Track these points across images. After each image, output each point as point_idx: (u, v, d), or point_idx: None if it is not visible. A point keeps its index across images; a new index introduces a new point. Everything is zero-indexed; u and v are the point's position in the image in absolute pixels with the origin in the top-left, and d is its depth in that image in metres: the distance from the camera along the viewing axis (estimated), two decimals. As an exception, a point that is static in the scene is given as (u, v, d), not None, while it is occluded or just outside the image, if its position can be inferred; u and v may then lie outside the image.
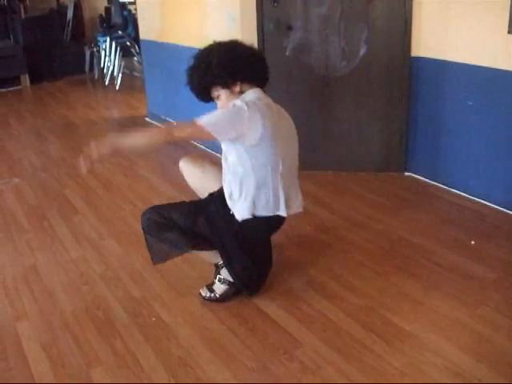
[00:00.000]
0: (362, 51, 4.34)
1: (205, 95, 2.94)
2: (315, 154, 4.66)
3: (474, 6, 3.85)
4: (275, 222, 2.99)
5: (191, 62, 2.91)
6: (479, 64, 3.90)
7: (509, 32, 3.62)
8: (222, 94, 2.88)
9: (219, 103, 2.92)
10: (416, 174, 4.55)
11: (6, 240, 3.90)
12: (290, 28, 4.38)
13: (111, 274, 3.38)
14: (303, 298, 3.03)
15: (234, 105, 2.77)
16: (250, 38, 4.34)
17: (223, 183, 2.94)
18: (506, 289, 3.02)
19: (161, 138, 2.88)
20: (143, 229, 2.97)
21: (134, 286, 3.22)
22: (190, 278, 3.30)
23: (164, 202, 4.04)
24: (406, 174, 4.60)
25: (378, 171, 4.61)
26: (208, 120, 2.71)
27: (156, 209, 2.97)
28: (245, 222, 2.86)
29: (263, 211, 2.85)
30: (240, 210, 2.85)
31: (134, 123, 6.57)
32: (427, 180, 4.46)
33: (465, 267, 3.24)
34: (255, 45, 4.33)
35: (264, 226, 2.98)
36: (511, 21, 3.58)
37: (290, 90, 4.53)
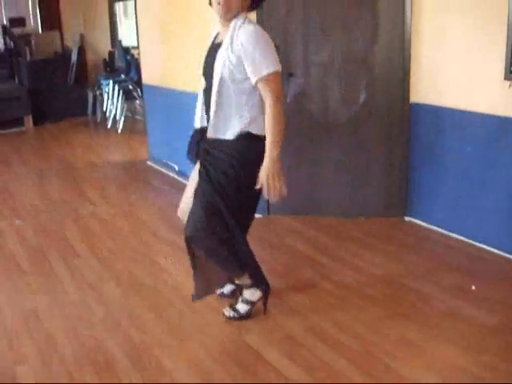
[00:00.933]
0: (362, 98, 4.41)
1: None
2: (315, 200, 4.69)
3: (471, 53, 3.94)
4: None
5: None
6: (476, 110, 3.97)
7: (505, 78, 3.69)
8: None
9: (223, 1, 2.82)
10: (416, 218, 4.57)
11: (6, 281, 3.89)
12: (290, 75, 4.44)
13: (111, 317, 3.37)
14: (304, 344, 3.01)
15: (258, 33, 2.87)
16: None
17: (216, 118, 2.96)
18: (508, 334, 3.02)
19: (281, 117, 3.00)
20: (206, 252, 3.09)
21: (133, 331, 3.21)
22: (190, 322, 3.29)
23: (164, 247, 4.10)
24: (406, 218, 4.61)
25: (378, 216, 4.63)
26: (272, 64, 2.82)
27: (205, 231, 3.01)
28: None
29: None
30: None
31: (135, 167, 6.61)
32: (427, 225, 4.48)
33: (466, 312, 3.24)
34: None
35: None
36: (507, 67, 3.65)
37: (291, 135, 4.55)
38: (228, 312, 3.25)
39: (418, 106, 4.37)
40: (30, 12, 13.57)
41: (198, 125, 3.18)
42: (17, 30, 12.02)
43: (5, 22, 12.78)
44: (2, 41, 11.67)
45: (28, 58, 9.93)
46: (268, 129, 2.97)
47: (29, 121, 9.44)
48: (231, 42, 2.88)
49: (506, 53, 3.65)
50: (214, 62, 2.95)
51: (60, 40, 13.02)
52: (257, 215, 4.60)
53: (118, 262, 4.10)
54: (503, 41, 3.65)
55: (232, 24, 2.90)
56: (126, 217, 5.02)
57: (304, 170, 4.63)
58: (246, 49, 2.84)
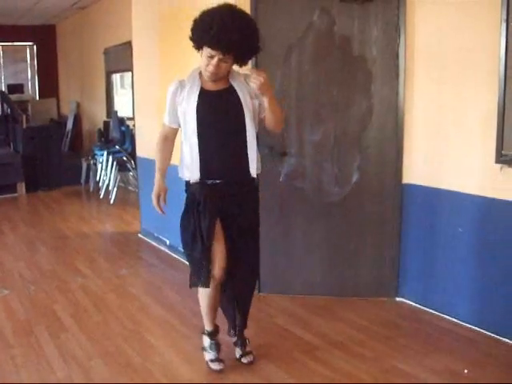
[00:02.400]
0: (355, 178, 4.46)
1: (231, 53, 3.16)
2: (305, 279, 4.68)
3: (464, 134, 4.02)
4: None
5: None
6: (467, 192, 4.02)
7: (496, 161, 3.75)
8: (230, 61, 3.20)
9: (223, 65, 3.16)
10: (408, 299, 4.55)
11: (-10, 356, 3.82)
12: (284, 154, 4.50)
13: (97, 397, 3.30)
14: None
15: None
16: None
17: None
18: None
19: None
20: None
21: (120, 412, 3.14)
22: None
23: (154, 323, 4.04)
24: (398, 299, 4.59)
25: (370, 296, 4.60)
26: None
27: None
28: None
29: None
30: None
31: (126, 239, 6.59)
32: (419, 306, 4.45)
33: (458, 399, 3.19)
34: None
35: None
36: (498, 151, 3.72)
37: (283, 213, 4.61)
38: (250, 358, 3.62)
39: (410, 186, 4.41)
40: (29, 79, 13.82)
41: (197, 176, 3.31)
42: (14, 97, 12.21)
43: (3, 88, 13.00)
44: (0, 107, 11.84)
45: (24, 124, 10.01)
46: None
47: (22, 187, 9.49)
48: (247, 88, 3.30)
49: (497, 136, 3.72)
50: (230, 106, 3.28)
51: (56, 107, 13.27)
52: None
53: (107, 338, 4.03)
54: (494, 125, 3.74)
55: (233, 74, 3.34)
56: (115, 291, 4.96)
57: (295, 248, 4.63)
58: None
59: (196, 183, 3.32)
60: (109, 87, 10.66)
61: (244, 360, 3.62)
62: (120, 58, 9.61)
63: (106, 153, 8.82)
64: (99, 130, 10.18)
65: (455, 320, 4.17)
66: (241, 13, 3.16)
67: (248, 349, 3.67)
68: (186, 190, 3.42)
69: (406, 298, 4.56)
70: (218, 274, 3.35)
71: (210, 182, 3.30)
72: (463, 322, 4.13)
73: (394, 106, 4.37)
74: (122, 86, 10.44)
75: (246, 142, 3.29)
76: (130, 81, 9.30)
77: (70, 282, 5.17)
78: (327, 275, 4.64)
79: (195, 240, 3.30)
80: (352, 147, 4.45)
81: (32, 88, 14.01)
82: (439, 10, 4.09)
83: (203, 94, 3.28)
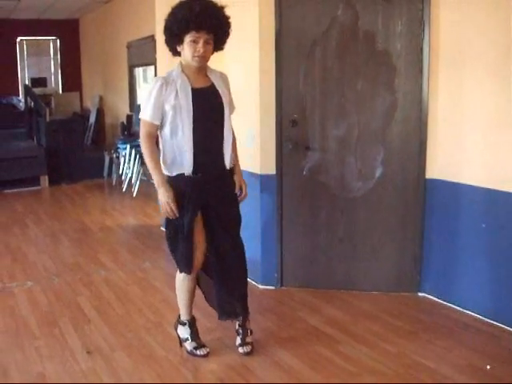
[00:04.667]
0: (378, 172, 4.45)
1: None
2: (328, 273, 4.68)
3: (488, 129, 3.99)
4: None
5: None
6: (492, 187, 3.99)
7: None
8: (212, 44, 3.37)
9: (208, 48, 3.32)
10: (430, 294, 4.53)
11: (14, 345, 3.86)
12: (307, 148, 4.50)
13: (120, 388, 3.33)
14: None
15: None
16: (268, 156, 4.48)
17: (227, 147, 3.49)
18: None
19: None
20: None
21: (143, 403, 3.17)
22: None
23: (176, 316, 4.05)
24: (420, 294, 4.57)
25: (392, 291, 4.59)
26: None
27: None
28: None
29: None
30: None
31: (149, 232, 6.63)
32: (441, 301, 4.43)
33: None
34: (274, 163, 4.46)
35: None
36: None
37: (306, 208, 4.62)
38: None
39: (433, 181, 4.39)
40: (52, 73, 13.92)
41: (190, 170, 3.38)
42: (38, 90, 12.31)
43: (27, 82, 13.11)
44: (23, 100, 11.94)
45: (47, 117, 10.09)
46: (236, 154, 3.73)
47: (45, 180, 9.57)
48: (224, 84, 3.53)
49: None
50: (215, 103, 3.45)
51: (79, 101, 13.35)
52: (269, 287, 4.63)
53: (130, 330, 4.06)
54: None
55: (209, 70, 3.50)
56: (138, 283, 5.00)
57: (318, 242, 4.63)
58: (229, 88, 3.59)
59: (184, 177, 3.39)
60: (132, 81, 10.70)
61: (241, 350, 3.67)
62: (143, 52, 9.65)
63: (128, 146, 8.86)
64: (122, 123, 10.23)
65: (478, 315, 4.15)
66: (212, 1, 3.38)
67: (248, 339, 3.71)
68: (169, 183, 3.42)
69: (428, 293, 4.54)
70: (198, 264, 3.56)
71: (197, 175, 3.40)
72: (486, 317, 4.11)
73: (418, 100, 4.34)
74: (145, 79, 10.48)
75: (223, 136, 3.48)
76: (152, 75, 9.38)
77: (93, 274, 5.22)
78: (350, 269, 4.64)
79: (181, 231, 3.45)
80: (376, 142, 4.44)
81: (55, 82, 14.11)
82: (463, 5, 4.05)
83: (193, 90, 3.38)
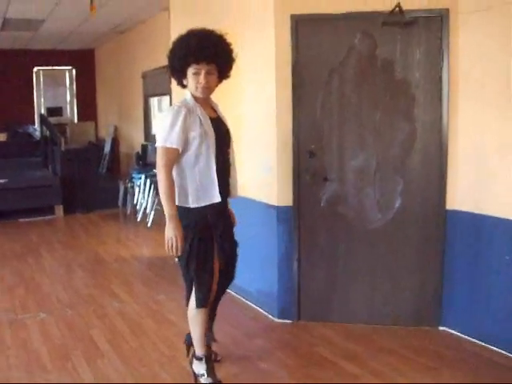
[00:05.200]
0: (397, 203, 4.36)
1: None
2: (346, 306, 4.57)
3: (510, 159, 3.90)
4: None
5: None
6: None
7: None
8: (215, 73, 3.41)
9: (211, 78, 3.36)
10: (451, 328, 4.41)
11: (26, 380, 3.78)
12: (325, 179, 4.43)
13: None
14: None
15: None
16: (286, 188, 4.42)
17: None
18: None
19: None
20: None
21: None
22: None
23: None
24: (441, 328, 4.46)
25: (412, 325, 4.48)
26: None
27: None
28: None
29: None
30: None
31: (163, 263, 6.53)
32: (463, 336, 4.31)
33: None
34: (291, 195, 4.40)
35: None
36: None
37: (324, 240, 4.53)
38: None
39: (454, 212, 4.29)
40: (68, 102, 14.01)
41: (218, 198, 3.40)
42: (53, 119, 12.38)
43: (43, 111, 13.19)
44: (39, 129, 11.99)
45: (63, 147, 10.11)
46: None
47: (59, 210, 9.57)
48: (224, 116, 3.62)
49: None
50: (225, 132, 3.55)
51: (94, 130, 13.41)
52: (286, 321, 4.54)
53: (144, 364, 3.97)
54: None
55: (212, 100, 3.57)
56: (152, 316, 4.91)
57: (337, 275, 4.54)
58: None
59: (212, 206, 3.38)
60: (147, 111, 10.71)
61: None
62: (158, 82, 9.66)
63: (143, 176, 8.83)
64: (137, 153, 10.23)
65: (503, 352, 4.02)
66: (211, 30, 3.42)
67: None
68: (187, 217, 3.35)
69: (449, 328, 4.42)
70: (214, 293, 3.58)
71: (221, 203, 3.43)
72: (511, 352, 3.98)
73: (438, 130, 4.27)
74: (160, 109, 10.50)
75: (230, 164, 3.63)
76: (167, 104, 9.38)
77: (107, 306, 5.14)
78: (368, 303, 4.54)
79: (207, 261, 3.43)
80: (395, 172, 4.36)
81: (71, 111, 14.19)
82: (483, 33, 4.01)
83: (210, 119, 3.43)
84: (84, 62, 13.77)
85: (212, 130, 3.37)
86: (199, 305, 3.49)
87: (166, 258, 6.69)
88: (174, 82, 5.91)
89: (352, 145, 4.40)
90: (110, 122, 12.82)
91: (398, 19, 4.15)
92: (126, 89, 11.78)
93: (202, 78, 3.31)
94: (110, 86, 12.95)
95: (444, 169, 4.29)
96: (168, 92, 8.04)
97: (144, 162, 9.76)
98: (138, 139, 10.96)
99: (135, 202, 9.28)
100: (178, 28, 6.30)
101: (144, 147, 10.25)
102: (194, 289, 3.50)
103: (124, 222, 9.43)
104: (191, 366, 3.68)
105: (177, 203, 3.32)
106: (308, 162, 4.42)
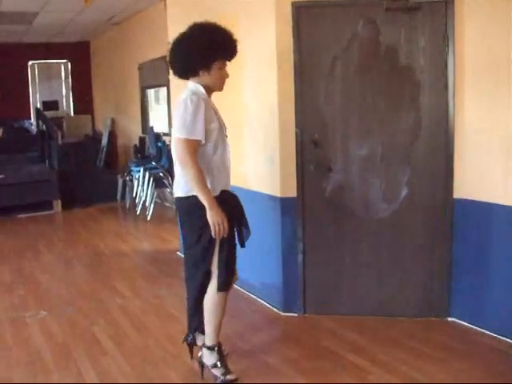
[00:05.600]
0: (403, 193, 4.27)
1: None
2: (353, 298, 4.49)
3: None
4: None
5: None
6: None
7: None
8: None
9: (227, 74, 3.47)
10: (460, 319, 4.33)
11: (28, 380, 3.69)
12: (329, 169, 4.34)
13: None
14: None
15: None
16: (289, 179, 4.33)
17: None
18: None
19: None
20: None
21: None
22: None
23: (196, 348, 3.88)
24: (449, 319, 4.37)
25: (419, 316, 4.40)
26: None
27: None
28: None
29: None
30: None
31: (164, 257, 6.45)
32: (472, 326, 4.22)
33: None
34: (294, 186, 4.30)
35: None
36: None
37: (329, 231, 4.44)
38: None
39: (462, 201, 4.21)
40: (64, 96, 13.89)
41: (229, 182, 3.57)
42: (50, 113, 12.27)
43: (38, 105, 13.08)
44: (35, 123, 11.87)
45: (59, 140, 10.00)
46: None
47: (58, 204, 9.47)
48: None
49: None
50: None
51: (91, 123, 13.29)
52: (291, 314, 4.45)
53: (148, 362, 3.88)
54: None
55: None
56: (155, 312, 4.82)
57: (343, 267, 4.46)
58: None
59: (228, 192, 3.51)
60: (144, 103, 10.61)
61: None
62: (155, 73, 9.56)
63: (142, 169, 8.72)
64: (135, 146, 10.13)
65: (512, 341, 3.95)
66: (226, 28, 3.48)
67: None
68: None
69: (458, 318, 4.34)
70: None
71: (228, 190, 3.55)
72: (521, 343, 3.91)
73: (444, 117, 4.17)
74: (157, 101, 10.40)
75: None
76: (165, 96, 9.29)
77: (109, 302, 5.06)
78: (375, 294, 4.46)
79: (233, 244, 3.51)
80: (401, 161, 4.26)
81: (67, 104, 14.06)
82: (489, 18, 3.91)
83: (214, 113, 3.48)
84: (79, 54, 13.63)
85: (222, 121, 3.50)
86: (224, 287, 3.48)
87: (167, 252, 6.66)
88: (172, 74, 5.84)
89: (357, 133, 4.31)
90: (107, 114, 12.70)
91: (401, 4, 4.05)
92: (123, 81, 11.66)
93: (226, 72, 3.46)
94: (107, 78, 12.83)
95: (451, 156, 4.20)
96: (165, 83, 7.93)
97: (142, 154, 9.66)
98: (136, 132, 10.85)
99: (134, 195, 9.17)
100: (174, 18, 6.21)
101: (142, 139, 10.15)
102: (215, 274, 3.46)
103: (123, 215, 9.33)
104: (201, 360, 3.61)
105: (190, 193, 3.35)
106: (312, 152, 4.33)
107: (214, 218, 3.25)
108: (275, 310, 4.63)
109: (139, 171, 8.80)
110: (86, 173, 9.91)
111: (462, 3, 4.01)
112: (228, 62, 3.48)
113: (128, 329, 4.47)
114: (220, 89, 3.49)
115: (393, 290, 4.42)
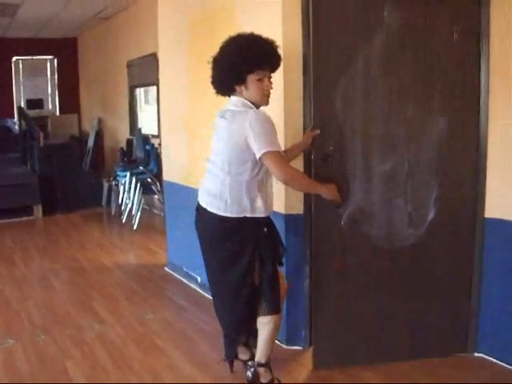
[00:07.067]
0: (431, 215, 3.64)
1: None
2: (369, 342, 3.78)
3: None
4: None
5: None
6: None
7: None
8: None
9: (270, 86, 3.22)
10: (488, 355, 3.78)
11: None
12: (347, 190, 3.59)
13: None
14: None
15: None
16: (296, 202, 3.77)
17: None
18: None
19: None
20: None
21: None
22: None
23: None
24: (477, 355, 3.82)
25: (445, 355, 3.81)
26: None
27: None
28: None
29: None
30: None
31: (151, 273, 5.83)
32: (502, 363, 3.68)
33: None
34: (301, 201, 3.75)
35: None
36: None
37: (345, 267, 3.70)
38: None
39: (495, 221, 3.65)
40: (49, 94, 13.29)
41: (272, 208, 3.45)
42: (34, 112, 11.70)
43: (22, 104, 12.47)
44: (18, 123, 11.28)
45: (42, 142, 9.38)
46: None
47: (38, 210, 8.89)
48: None
49: None
50: None
51: (78, 123, 12.68)
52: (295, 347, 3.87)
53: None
54: None
55: None
56: (138, 342, 4.19)
57: (360, 310, 3.75)
58: None
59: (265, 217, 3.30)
60: (132, 102, 10.03)
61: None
62: (144, 72, 8.99)
63: (129, 174, 8.08)
64: (121, 149, 9.51)
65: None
66: (263, 36, 3.22)
67: None
68: (249, 228, 3.24)
69: (486, 354, 3.79)
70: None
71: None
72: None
73: (475, 127, 3.62)
74: (147, 101, 9.81)
75: None
76: (154, 96, 8.69)
77: (86, 328, 4.44)
78: (396, 335, 3.78)
79: (274, 263, 3.36)
80: (428, 179, 3.63)
81: (52, 103, 13.45)
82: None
83: None
84: (66, 50, 13.03)
85: None
86: (276, 310, 3.37)
87: (154, 267, 6.07)
88: (161, 71, 5.28)
89: (380, 146, 3.61)
90: (94, 114, 12.11)
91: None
92: (111, 79, 11.08)
93: (266, 83, 3.20)
94: (94, 76, 12.25)
95: (483, 173, 3.64)
96: (155, 82, 7.34)
97: (129, 158, 9.02)
98: (124, 133, 10.27)
99: (120, 201, 8.54)
100: (165, 11, 5.65)
101: (129, 142, 9.54)
102: (264, 297, 3.33)
103: (108, 223, 8.71)
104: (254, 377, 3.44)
105: (241, 214, 3.19)
106: (324, 167, 3.59)
107: (327, 195, 3.34)
108: (277, 342, 4.03)
109: (125, 176, 8.16)
110: (69, 176, 9.30)
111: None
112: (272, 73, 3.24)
113: (107, 363, 3.85)
114: (264, 103, 3.23)
115: (415, 328, 3.78)
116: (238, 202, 3.16)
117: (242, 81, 3.15)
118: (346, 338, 3.75)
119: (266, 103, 3.24)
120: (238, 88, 3.19)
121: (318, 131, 3.50)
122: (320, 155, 3.58)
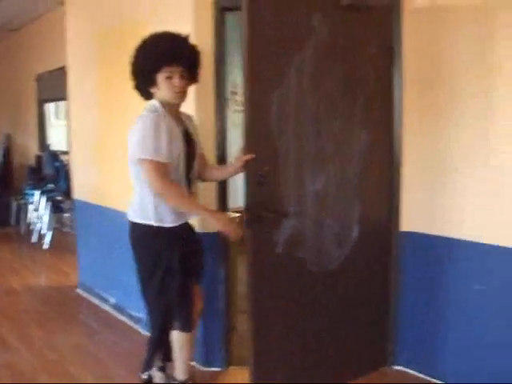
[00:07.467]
0: (354, 233, 3.58)
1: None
2: (293, 365, 3.54)
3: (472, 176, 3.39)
4: None
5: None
6: (481, 241, 3.37)
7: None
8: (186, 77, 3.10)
9: (183, 82, 3.05)
10: (407, 367, 3.83)
11: None
12: (285, 215, 3.26)
13: None
14: None
15: None
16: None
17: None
18: None
19: None
20: None
21: None
22: None
23: None
24: (396, 368, 3.87)
25: (368, 371, 3.79)
26: None
27: None
28: None
29: None
30: None
31: (62, 296, 5.60)
32: (421, 375, 3.74)
33: None
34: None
35: None
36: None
37: (279, 296, 3.39)
38: None
39: (409, 234, 3.71)
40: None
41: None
42: None
43: None
44: None
45: None
46: None
47: None
48: (193, 128, 3.31)
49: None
50: (190, 148, 3.18)
51: (-15, 140, 12.16)
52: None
53: None
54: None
55: (182, 111, 3.22)
56: (49, 370, 3.96)
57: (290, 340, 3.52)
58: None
59: (186, 225, 3.22)
60: (41, 118, 9.72)
61: None
62: (54, 85, 8.70)
63: (38, 192, 7.81)
64: (30, 166, 9.19)
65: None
66: (175, 32, 3.12)
67: None
68: (160, 237, 3.12)
69: (405, 366, 3.84)
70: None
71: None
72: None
73: (389, 140, 3.65)
74: (57, 116, 9.53)
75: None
76: (65, 111, 8.46)
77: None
78: (326, 357, 3.64)
79: (185, 280, 3.21)
80: (352, 195, 3.55)
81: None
82: (436, 32, 3.47)
83: (180, 133, 3.15)
84: (-29, 63, 12.50)
85: (184, 143, 3.12)
86: (185, 329, 3.32)
87: (66, 289, 5.82)
88: (71, 85, 5.12)
89: (311, 163, 3.37)
90: (2, 129, 11.66)
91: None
92: (19, 93, 10.74)
93: (176, 80, 3.01)
94: (2, 89, 11.80)
95: (397, 185, 3.67)
96: (65, 97, 7.12)
97: (39, 175, 8.72)
98: (33, 149, 9.94)
99: (29, 220, 8.23)
100: (74, 22, 5.50)
101: (39, 158, 9.24)
102: (176, 313, 3.27)
103: (17, 243, 8.35)
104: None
105: (150, 222, 3.07)
106: (258, 194, 3.17)
107: (220, 226, 3.04)
108: (194, 364, 3.92)
109: (33, 194, 7.86)
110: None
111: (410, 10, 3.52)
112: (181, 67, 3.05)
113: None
114: (176, 99, 3.07)
115: (341, 348, 3.70)
116: (143, 209, 3.08)
117: (153, 82, 3.04)
118: (281, 359, 3.49)
119: (180, 100, 3.09)
120: (153, 90, 3.08)
121: (252, 155, 3.07)
122: (255, 177, 3.14)
